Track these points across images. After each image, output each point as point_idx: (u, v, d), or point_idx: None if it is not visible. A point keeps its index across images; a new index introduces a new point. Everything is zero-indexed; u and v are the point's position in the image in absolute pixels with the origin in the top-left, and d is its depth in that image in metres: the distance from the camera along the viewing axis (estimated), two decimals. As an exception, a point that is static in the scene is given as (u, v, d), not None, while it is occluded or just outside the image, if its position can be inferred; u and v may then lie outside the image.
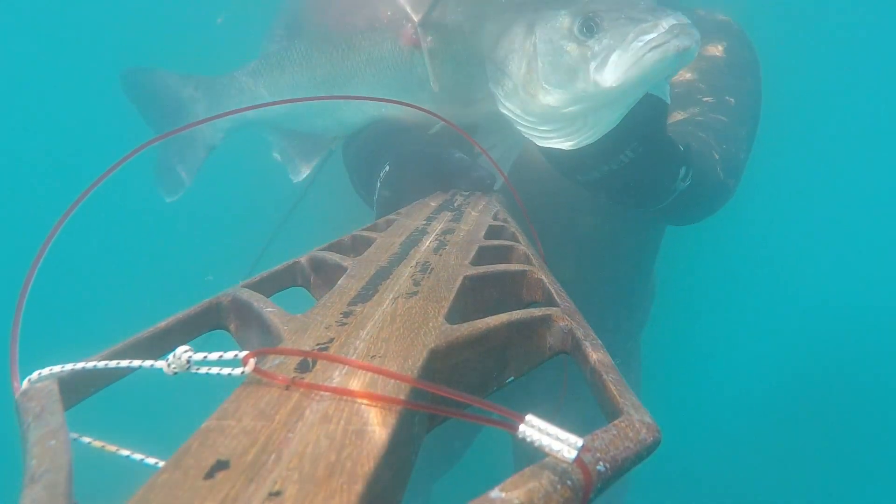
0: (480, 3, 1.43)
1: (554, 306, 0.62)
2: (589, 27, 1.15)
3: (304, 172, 1.84)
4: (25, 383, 0.47)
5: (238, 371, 0.44)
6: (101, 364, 0.49)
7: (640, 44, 1.09)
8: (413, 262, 0.74)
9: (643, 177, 1.36)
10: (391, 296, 0.62)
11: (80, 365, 0.48)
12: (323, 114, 1.79)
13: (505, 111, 1.32)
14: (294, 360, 0.46)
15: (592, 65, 1.14)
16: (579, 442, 0.35)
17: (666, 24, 1.08)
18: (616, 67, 1.11)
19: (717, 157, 1.59)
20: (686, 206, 1.57)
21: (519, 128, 1.32)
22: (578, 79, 1.16)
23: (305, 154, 1.83)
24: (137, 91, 2.03)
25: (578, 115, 1.22)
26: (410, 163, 1.44)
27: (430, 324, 0.55)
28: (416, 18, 1.51)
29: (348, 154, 1.83)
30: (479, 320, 0.55)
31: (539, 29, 1.23)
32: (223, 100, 1.94)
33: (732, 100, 1.77)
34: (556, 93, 1.20)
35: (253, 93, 1.89)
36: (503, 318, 0.55)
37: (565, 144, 1.25)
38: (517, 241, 0.93)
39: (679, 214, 1.72)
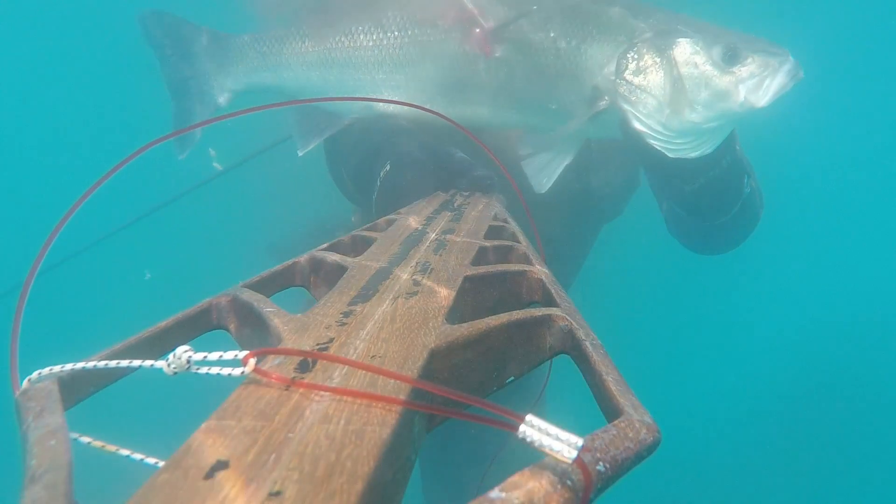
0: (584, 24, 1.52)
1: (554, 306, 0.61)
2: (731, 56, 1.38)
3: (311, 145, 1.79)
4: (25, 383, 0.46)
5: (238, 371, 0.43)
6: (101, 364, 0.49)
7: (783, 72, 1.37)
8: (413, 262, 0.74)
9: (728, 182, 1.56)
10: (391, 296, 0.62)
11: (80, 365, 0.48)
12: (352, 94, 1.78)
13: (640, 126, 1.44)
14: (294, 360, 0.46)
15: (742, 88, 1.38)
16: (579, 442, 0.35)
17: (793, 57, 1.38)
18: (768, 90, 1.37)
19: (754, 183, 1.75)
20: (739, 219, 1.72)
21: (651, 141, 1.44)
22: (729, 99, 1.39)
23: (318, 128, 1.79)
24: (153, 34, 1.98)
25: (709, 130, 1.38)
26: (411, 162, 1.44)
27: (430, 324, 0.55)
28: (486, 25, 1.57)
29: (337, 153, 1.81)
30: (479, 320, 0.55)
31: (677, 54, 1.41)
32: (237, 60, 1.90)
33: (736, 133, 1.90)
34: (703, 111, 1.39)
35: (277, 59, 1.85)
36: (503, 318, 0.55)
37: (692, 154, 1.45)
38: (517, 241, 0.93)
39: (731, 229, 1.81)
